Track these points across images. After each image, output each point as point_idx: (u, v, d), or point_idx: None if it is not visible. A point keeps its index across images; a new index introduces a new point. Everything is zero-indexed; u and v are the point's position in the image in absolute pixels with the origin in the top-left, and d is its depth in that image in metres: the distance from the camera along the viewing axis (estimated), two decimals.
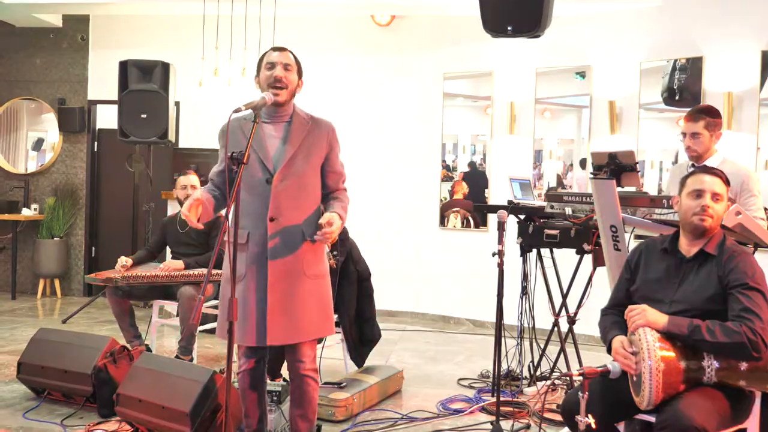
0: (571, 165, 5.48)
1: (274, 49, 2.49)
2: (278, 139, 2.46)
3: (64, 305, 6.24)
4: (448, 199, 5.99)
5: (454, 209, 5.96)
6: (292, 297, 2.44)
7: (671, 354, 2.14)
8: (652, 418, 2.20)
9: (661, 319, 2.18)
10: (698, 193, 2.27)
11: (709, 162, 3.06)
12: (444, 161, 6.02)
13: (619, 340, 2.25)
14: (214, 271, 3.40)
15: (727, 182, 2.33)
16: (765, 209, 3.03)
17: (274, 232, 2.42)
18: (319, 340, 3.40)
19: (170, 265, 4.01)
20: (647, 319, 2.18)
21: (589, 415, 2.08)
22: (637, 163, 3.01)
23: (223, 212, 2.50)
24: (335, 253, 3.64)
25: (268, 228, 2.42)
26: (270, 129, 2.47)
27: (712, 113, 3.07)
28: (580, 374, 2.10)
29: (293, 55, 2.49)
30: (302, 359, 2.49)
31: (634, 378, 2.18)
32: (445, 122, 6.00)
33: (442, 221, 6.00)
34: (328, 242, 2.41)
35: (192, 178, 4.29)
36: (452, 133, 6.01)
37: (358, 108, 6.18)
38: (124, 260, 4.06)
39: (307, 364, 2.50)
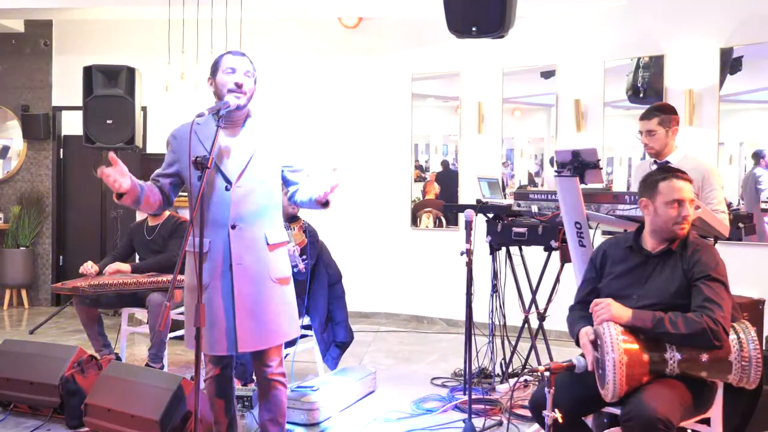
0: (542, 163, 5.54)
1: (234, 53, 2.47)
2: (234, 145, 2.44)
3: (32, 315, 6.10)
4: (421, 199, 6.02)
5: (426, 209, 5.99)
6: (258, 302, 2.42)
7: (635, 346, 2.18)
8: (617, 411, 2.23)
9: (625, 313, 2.22)
10: (679, 203, 2.30)
11: (670, 158, 3.12)
12: (417, 161, 6.04)
13: (584, 331, 2.29)
14: (179, 278, 3.36)
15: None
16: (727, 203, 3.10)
17: (236, 240, 2.40)
18: (291, 343, 3.40)
19: (115, 267, 3.95)
20: (611, 313, 2.22)
21: (556, 410, 2.10)
22: (600, 160, 3.05)
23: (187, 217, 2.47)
24: (304, 256, 3.63)
25: (230, 236, 2.40)
26: (225, 134, 2.45)
27: (665, 110, 3.12)
28: (546, 369, 2.13)
29: (251, 61, 2.49)
30: (269, 363, 2.48)
31: (600, 371, 2.22)
32: (416, 123, 6.02)
33: (414, 221, 6.02)
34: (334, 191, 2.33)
35: None
36: (424, 134, 6.04)
37: (327, 110, 6.17)
38: (89, 265, 3.99)
39: (275, 368, 2.49)
